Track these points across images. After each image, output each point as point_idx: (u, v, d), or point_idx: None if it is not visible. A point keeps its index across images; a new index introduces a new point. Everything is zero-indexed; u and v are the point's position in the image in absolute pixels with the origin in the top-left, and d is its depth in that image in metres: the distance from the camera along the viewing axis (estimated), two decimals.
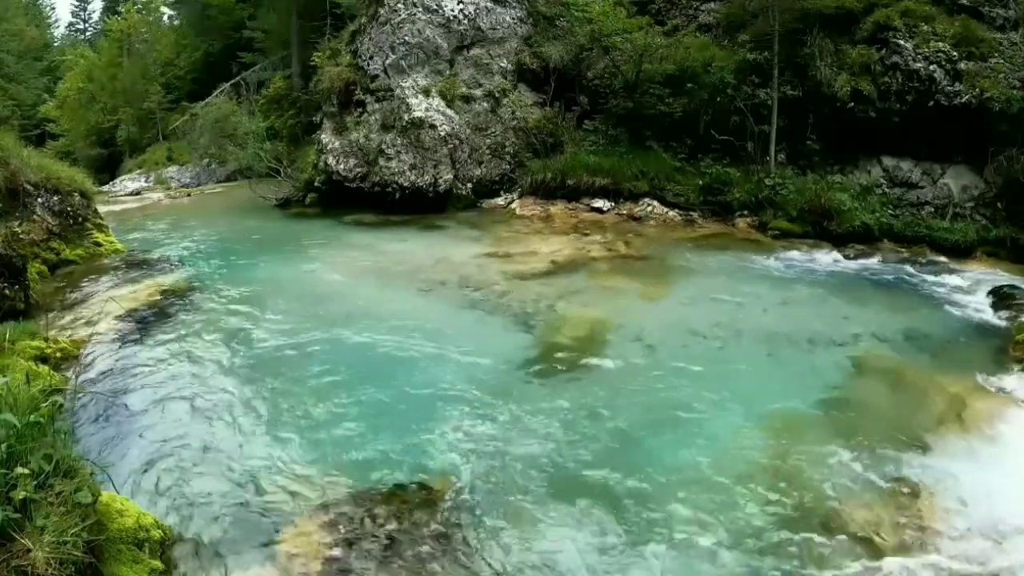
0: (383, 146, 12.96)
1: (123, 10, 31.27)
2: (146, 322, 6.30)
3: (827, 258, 9.69)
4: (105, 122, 29.84)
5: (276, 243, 10.41)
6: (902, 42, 11.34)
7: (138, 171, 24.78)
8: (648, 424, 4.84)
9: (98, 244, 8.56)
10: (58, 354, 5.26)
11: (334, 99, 14.02)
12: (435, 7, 13.80)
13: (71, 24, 54.77)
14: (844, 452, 4.52)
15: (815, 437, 4.69)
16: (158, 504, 3.76)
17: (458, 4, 13.99)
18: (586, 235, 10.67)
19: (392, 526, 3.69)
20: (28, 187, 7.92)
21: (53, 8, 52.65)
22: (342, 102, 13.87)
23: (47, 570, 2.50)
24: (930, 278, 8.76)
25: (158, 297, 7.01)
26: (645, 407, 5.08)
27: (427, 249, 9.89)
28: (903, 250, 10.00)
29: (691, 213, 11.84)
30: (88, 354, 5.42)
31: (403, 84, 13.20)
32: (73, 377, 4.83)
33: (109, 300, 6.65)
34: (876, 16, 11.78)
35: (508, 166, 13.70)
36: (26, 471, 2.67)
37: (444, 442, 4.51)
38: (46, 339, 5.31)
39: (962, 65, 10.85)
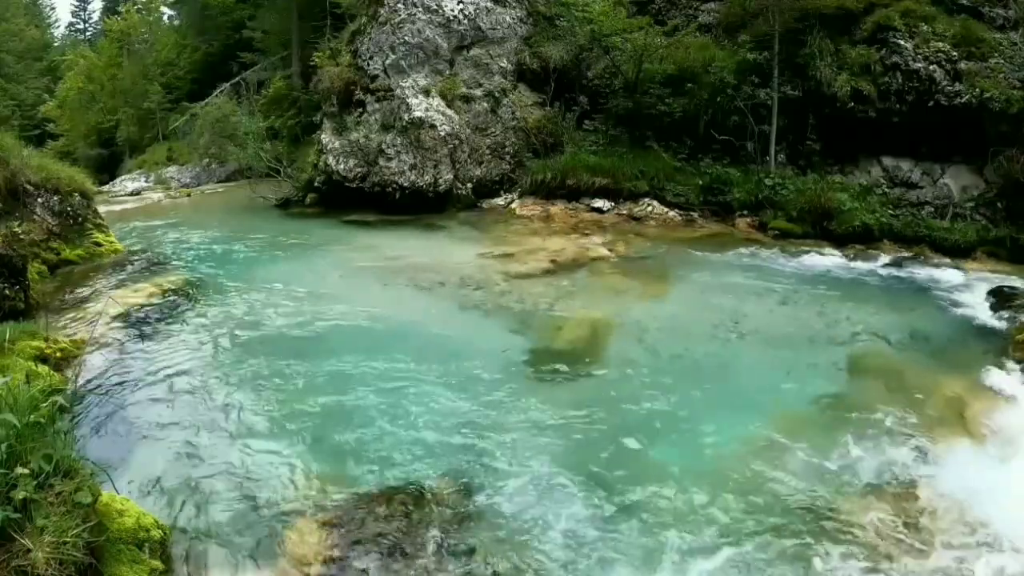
0: (383, 146, 12.96)
1: (123, 10, 31.27)
2: (146, 322, 6.30)
3: (827, 258, 9.69)
4: (105, 122, 29.87)
5: (276, 243, 10.41)
6: (902, 42, 11.35)
7: (138, 171, 24.80)
8: (647, 424, 4.83)
9: (98, 244, 8.54)
10: (58, 354, 5.24)
11: (334, 99, 14.01)
12: (435, 7, 13.80)
13: (71, 24, 54.88)
14: (843, 452, 4.51)
15: (815, 437, 4.69)
16: (158, 504, 3.76)
17: (458, 4, 13.98)
18: (586, 235, 10.67)
19: (392, 526, 3.69)
20: (28, 187, 7.90)
21: (53, 8, 52.68)
22: (342, 102, 13.87)
23: (47, 570, 2.50)
24: (930, 278, 8.76)
25: (158, 297, 7.00)
26: (645, 408, 5.08)
27: (427, 249, 9.89)
28: (903, 250, 10.01)
29: (691, 213, 11.85)
30: (88, 354, 5.42)
31: (403, 84, 13.20)
32: (73, 377, 4.82)
33: (109, 300, 6.64)
34: (876, 16, 11.79)
35: (508, 166, 13.70)
36: (26, 471, 2.67)
37: (445, 443, 4.51)
38: (46, 339, 5.30)
39: (962, 65, 10.86)
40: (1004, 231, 9.93)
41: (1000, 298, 7.65)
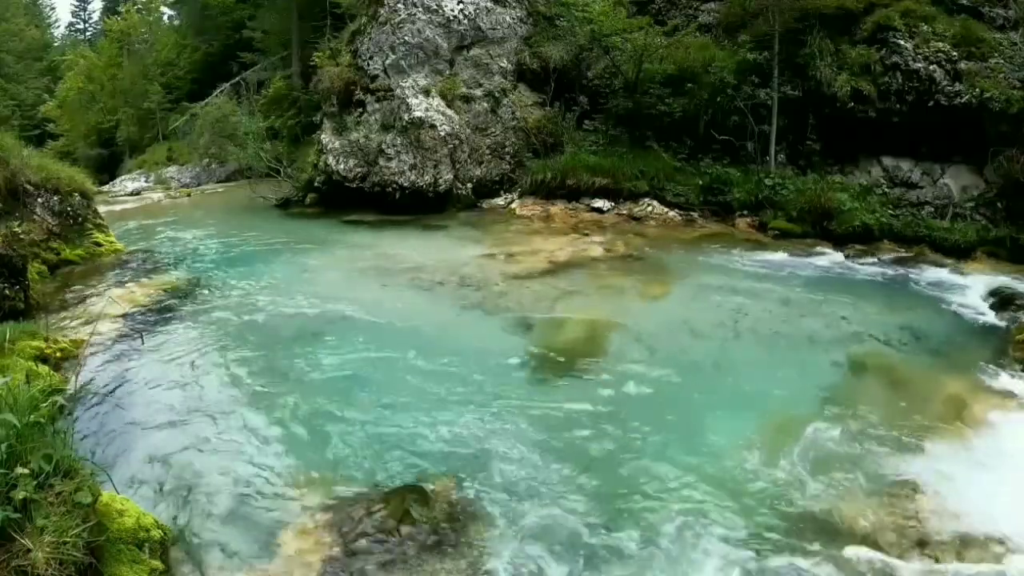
0: (383, 146, 12.96)
1: (123, 10, 31.28)
2: (146, 322, 6.31)
3: (827, 258, 9.69)
4: (105, 122, 29.89)
5: (276, 243, 10.41)
6: (902, 42, 11.35)
7: (138, 171, 24.81)
8: (647, 425, 4.83)
9: (98, 244, 8.56)
10: (58, 354, 5.25)
11: (334, 99, 14.02)
12: (435, 7, 13.80)
13: (71, 24, 54.88)
14: (843, 452, 4.52)
15: (814, 437, 4.69)
16: (158, 504, 3.76)
17: (458, 4, 13.99)
18: (586, 235, 10.67)
19: (392, 526, 3.69)
20: (28, 187, 7.91)
21: (53, 8, 52.72)
22: (342, 102, 13.87)
23: (47, 570, 2.50)
24: (930, 278, 8.76)
25: (158, 297, 7.01)
26: (644, 408, 5.08)
27: (427, 249, 9.89)
28: (903, 250, 9.99)
29: (691, 213, 11.85)
30: (88, 354, 5.42)
31: (403, 84, 13.20)
32: (73, 377, 4.83)
33: (109, 300, 6.65)
34: (876, 16, 11.79)
35: (508, 166, 13.70)
36: (26, 471, 2.67)
37: (444, 443, 4.51)
38: (46, 339, 5.31)
39: (962, 65, 10.85)
40: (1004, 231, 9.90)
41: (1000, 298, 7.65)
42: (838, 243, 10.22)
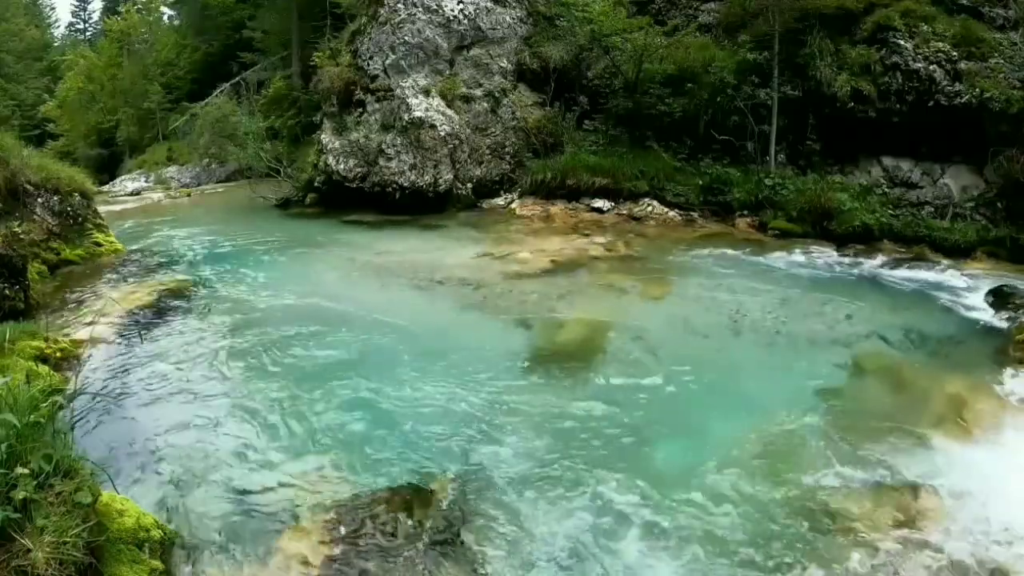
0: (383, 146, 12.96)
1: (123, 10, 31.29)
2: (146, 322, 6.30)
3: (827, 258, 9.69)
4: (105, 122, 29.92)
5: (276, 243, 10.41)
6: (902, 42, 11.34)
7: (138, 171, 24.84)
8: (647, 424, 4.83)
9: (98, 244, 8.56)
10: (58, 354, 5.25)
11: (334, 99, 14.02)
12: (435, 7, 13.81)
13: (71, 24, 54.91)
14: (844, 452, 4.51)
15: (815, 438, 4.69)
16: (158, 504, 3.76)
17: (458, 4, 13.99)
18: (586, 235, 10.67)
19: (392, 526, 3.69)
20: (28, 187, 7.91)
21: (53, 8, 52.77)
22: (342, 102, 13.88)
23: (47, 570, 2.50)
24: (930, 278, 8.76)
25: (158, 297, 7.01)
26: (644, 408, 5.08)
27: (427, 249, 9.89)
28: (903, 250, 9.99)
29: (691, 213, 11.85)
30: (88, 354, 5.42)
31: (403, 84, 13.20)
32: (73, 377, 4.82)
33: (109, 300, 6.65)
34: (876, 16, 11.79)
35: (508, 166, 13.70)
36: (26, 471, 2.67)
37: (443, 442, 4.51)
38: (46, 339, 5.31)
39: (962, 65, 10.85)
40: (1004, 231, 9.89)
41: (1000, 298, 7.64)
42: (838, 243, 10.21)
